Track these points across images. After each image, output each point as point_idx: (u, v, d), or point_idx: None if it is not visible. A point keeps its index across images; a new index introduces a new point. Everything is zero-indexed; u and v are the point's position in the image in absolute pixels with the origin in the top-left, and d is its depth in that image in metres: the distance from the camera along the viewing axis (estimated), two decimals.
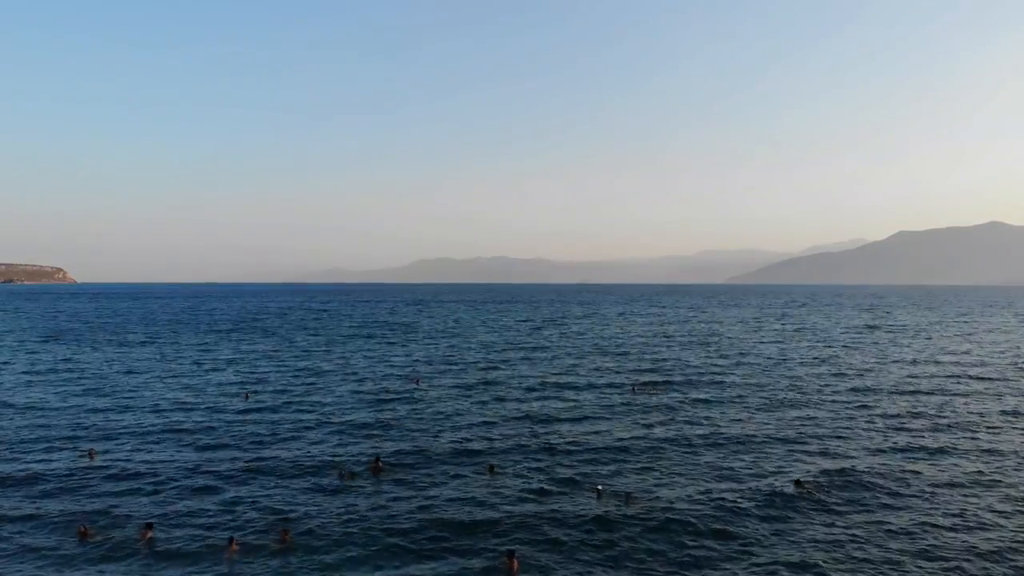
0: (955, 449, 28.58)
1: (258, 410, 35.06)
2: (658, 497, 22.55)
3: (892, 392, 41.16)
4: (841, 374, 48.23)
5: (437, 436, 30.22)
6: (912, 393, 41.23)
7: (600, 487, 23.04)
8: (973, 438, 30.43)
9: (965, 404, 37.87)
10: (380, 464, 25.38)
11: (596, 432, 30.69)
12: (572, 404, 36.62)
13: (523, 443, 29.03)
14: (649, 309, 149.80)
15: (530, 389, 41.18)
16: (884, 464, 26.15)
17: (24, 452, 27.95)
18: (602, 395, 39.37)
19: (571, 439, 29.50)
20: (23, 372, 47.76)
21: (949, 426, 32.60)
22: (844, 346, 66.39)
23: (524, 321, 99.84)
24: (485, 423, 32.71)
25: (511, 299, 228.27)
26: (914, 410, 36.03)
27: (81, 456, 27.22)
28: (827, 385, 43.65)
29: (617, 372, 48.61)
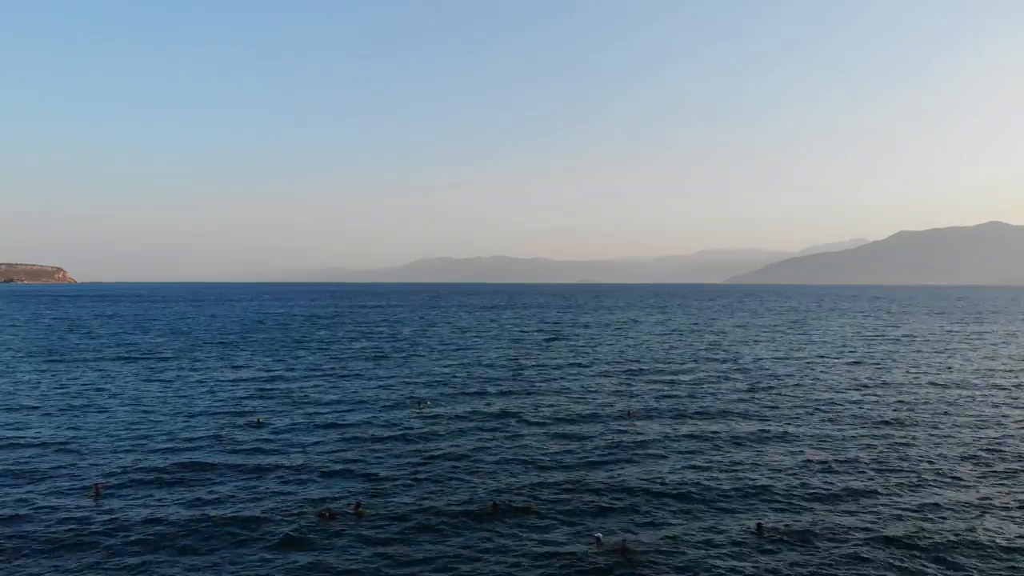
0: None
1: (259, 443, 33.66)
2: (654, 545, 21.46)
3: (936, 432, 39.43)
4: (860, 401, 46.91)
5: (436, 471, 28.87)
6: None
7: (599, 535, 21.94)
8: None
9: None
10: (361, 508, 24.10)
11: (606, 473, 29.19)
12: (582, 437, 34.41)
13: (528, 480, 27.72)
14: (657, 316, 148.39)
15: (539, 416, 39.19)
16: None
17: (22, 486, 26.61)
18: (611, 427, 37.74)
19: (577, 477, 28.02)
20: (16, 396, 46.29)
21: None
22: (879, 366, 65.13)
23: (532, 331, 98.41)
24: (489, 456, 31.03)
25: (514, 303, 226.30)
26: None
27: (86, 492, 25.95)
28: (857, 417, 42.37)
29: (625, 396, 47.41)
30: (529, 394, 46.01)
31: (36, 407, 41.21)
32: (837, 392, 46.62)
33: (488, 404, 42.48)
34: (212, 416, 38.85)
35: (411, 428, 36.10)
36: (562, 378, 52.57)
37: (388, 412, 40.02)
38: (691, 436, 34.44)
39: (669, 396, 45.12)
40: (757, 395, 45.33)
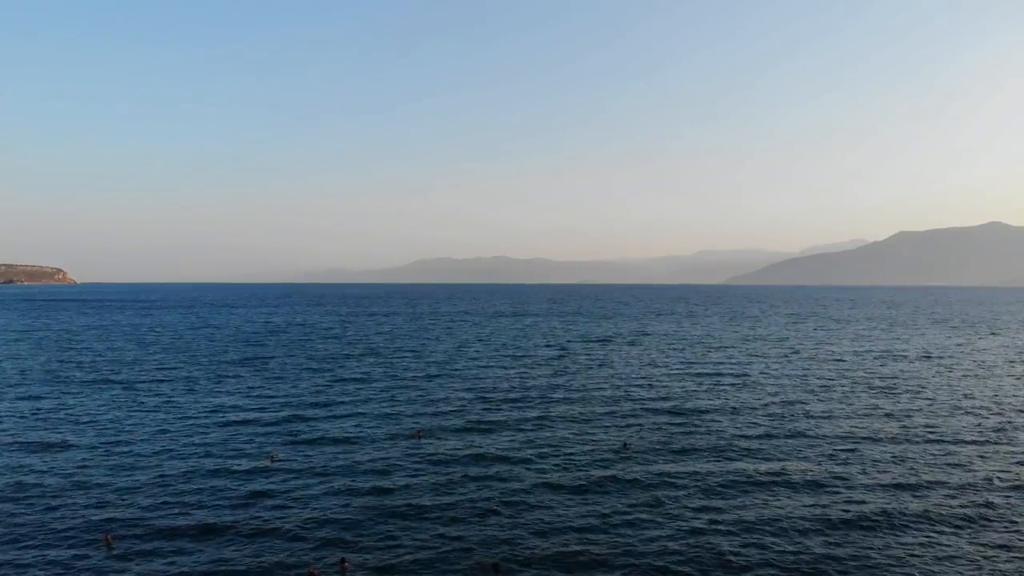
0: None
1: (252, 488, 32.63)
2: None
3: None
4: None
5: (430, 520, 27.68)
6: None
7: None
8: None
9: None
10: (347, 564, 23.11)
11: (605, 527, 28.23)
12: (581, 482, 32.67)
13: (527, 532, 26.62)
14: (663, 326, 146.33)
15: (538, 456, 37.68)
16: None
17: (25, 536, 25.47)
18: (610, 466, 36.57)
19: (582, 532, 26.95)
20: (9, 431, 45.17)
21: None
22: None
23: (535, 346, 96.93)
24: (486, 505, 29.41)
25: (516, 310, 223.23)
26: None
27: (96, 542, 24.92)
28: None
29: (627, 427, 46.28)
30: (531, 430, 44.74)
31: (31, 443, 40.16)
32: (858, 428, 44.93)
33: (486, 440, 41.02)
34: (214, 456, 37.73)
35: (407, 471, 34.55)
36: (566, 415, 51.02)
37: (383, 450, 38.59)
38: (690, 480, 33.04)
39: (672, 430, 43.37)
40: (767, 431, 43.83)
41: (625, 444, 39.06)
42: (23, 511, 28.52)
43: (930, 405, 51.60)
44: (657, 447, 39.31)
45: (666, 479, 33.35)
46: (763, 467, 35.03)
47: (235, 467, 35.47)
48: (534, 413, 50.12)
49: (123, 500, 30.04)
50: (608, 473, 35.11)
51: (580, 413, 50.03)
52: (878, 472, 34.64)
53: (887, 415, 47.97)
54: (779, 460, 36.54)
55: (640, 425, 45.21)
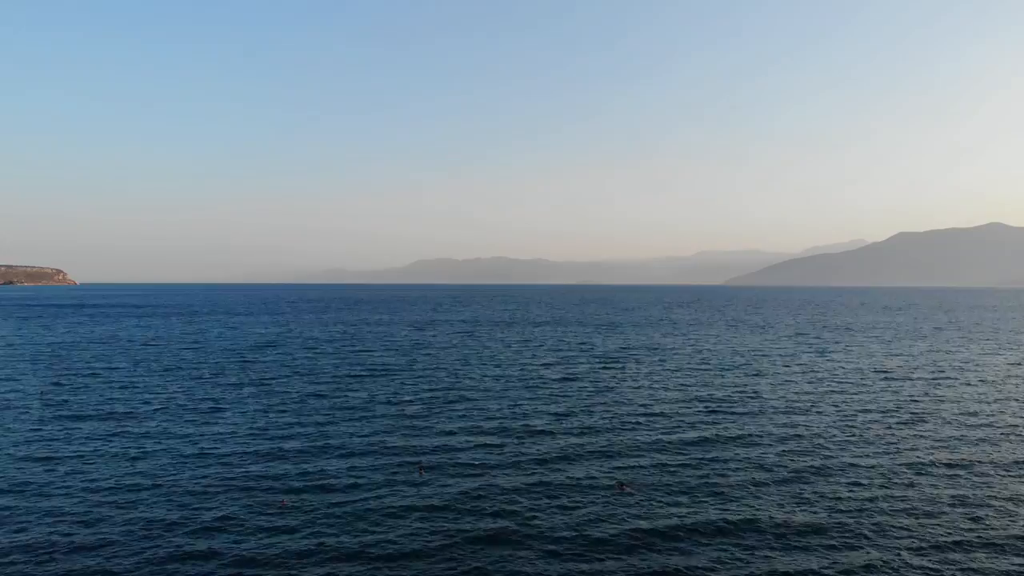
0: None
1: (248, 538, 31.35)
2: None
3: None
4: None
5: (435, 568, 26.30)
6: None
7: None
8: None
9: None
10: None
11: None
12: (586, 525, 32.28)
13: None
14: (668, 339, 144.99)
15: (535, 496, 36.61)
16: None
17: None
18: (633, 510, 35.30)
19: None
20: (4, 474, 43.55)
21: None
22: None
23: (540, 365, 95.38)
24: (497, 544, 28.17)
25: (517, 317, 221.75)
26: None
27: None
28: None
29: (627, 457, 44.80)
30: (531, 465, 43.14)
31: (24, 489, 38.70)
32: (894, 470, 43.34)
33: (484, 480, 39.52)
34: (213, 504, 36.38)
35: (410, 519, 33.46)
36: (567, 449, 49.72)
37: (386, 494, 37.30)
38: (692, 534, 31.65)
39: (675, 468, 41.43)
40: (783, 470, 42.27)
41: (621, 484, 37.51)
42: (23, 564, 26.94)
43: (982, 435, 48.52)
44: (657, 486, 37.44)
45: (665, 529, 31.66)
46: (776, 515, 31.70)
47: (239, 518, 34.06)
48: (535, 446, 48.40)
49: (133, 553, 28.71)
50: (602, 517, 33.16)
51: (581, 446, 48.39)
52: (935, 550, 30.67)
53: (929, 459, 45.57)
54: (795, 507, 33.18)
55: (640, 462, 43.09)
